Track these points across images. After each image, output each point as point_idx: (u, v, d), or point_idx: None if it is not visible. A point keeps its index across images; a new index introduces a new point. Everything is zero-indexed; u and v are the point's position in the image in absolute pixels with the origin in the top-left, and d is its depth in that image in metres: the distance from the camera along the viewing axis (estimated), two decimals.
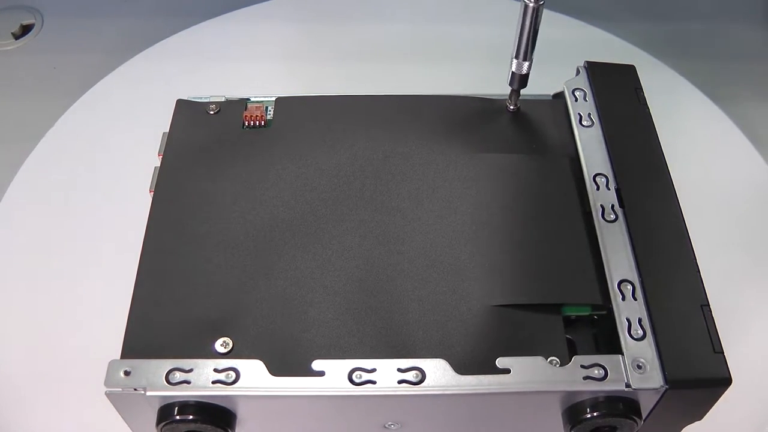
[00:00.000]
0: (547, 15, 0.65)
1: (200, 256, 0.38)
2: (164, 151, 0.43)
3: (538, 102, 0.46)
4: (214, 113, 0.44)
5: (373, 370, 0.34)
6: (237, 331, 0.36)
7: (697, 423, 0.37)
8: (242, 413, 0.35)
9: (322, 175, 0.41)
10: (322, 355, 0.35)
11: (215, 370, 0.34)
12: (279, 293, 0.37)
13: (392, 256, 0.38)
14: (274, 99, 0.45)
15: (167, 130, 0.44)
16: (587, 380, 0.34)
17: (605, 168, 0.41)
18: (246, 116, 0.44)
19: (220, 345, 0.35)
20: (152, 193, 0.41)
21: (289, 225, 0.39)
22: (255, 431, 0.37)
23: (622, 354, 0.34)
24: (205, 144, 0.43)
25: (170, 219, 0.40)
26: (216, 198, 0.40)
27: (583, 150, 0.42)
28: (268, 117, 0.44)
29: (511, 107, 0.45)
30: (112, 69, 0.61)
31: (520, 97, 0.45)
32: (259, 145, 0.43)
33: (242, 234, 0.39)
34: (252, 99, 0.45)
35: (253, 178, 0.41)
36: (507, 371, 0.34)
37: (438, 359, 0.34)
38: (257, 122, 0.44)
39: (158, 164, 0.42)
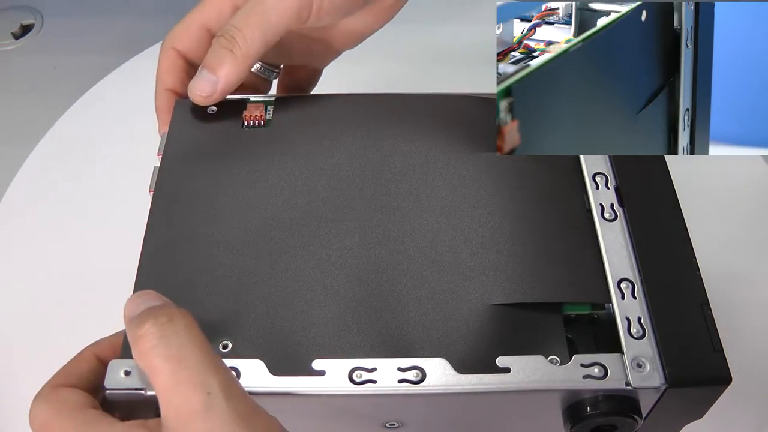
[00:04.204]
0: None
1: (200, 255, 0.38)
2: (164, 150, 0.42)
3: None
4: (214, 113, 0.44)
5: (374, 370, 0.34)
6: (237, 331, 0.36)
7: (697, 422, 0.37)
8: None
9: (321, 174, 0.41)
10: (323, 354, 0.34)
11: None
12: (279, 293, 0.37)
13: (392, 255, 0.38)
14: (273, 98, 0.45)
15: (167, 130, 0.44)
16: (587, 379, 0.34)
17: (605, 167, 0.41)
18: (245, 116, 0.44)
19: (220, 345, 0.35)
20: (152, 192, 0.41)
21: (289, 224, 0.39)
22: None
23: (622, 353, 0.34)
24: (205, 143, 0.43)
25: (170, 219, 0.40)
26: (216, 197, 0.40)
27: None
28: (268, 116, 0.44)
29: None
30: (112, 69, 0.61)
31: None
32: (258, 144, 0.43)
33: (242, 233, 0.39)
34: (251, 98, 0.45)
35: (253, 178, 0.41)
36: (507, 370, 0.34)
37: (438, 358, 0.34)
38: (257, 122, 0.44)
39: (158, 164, 0.42)
